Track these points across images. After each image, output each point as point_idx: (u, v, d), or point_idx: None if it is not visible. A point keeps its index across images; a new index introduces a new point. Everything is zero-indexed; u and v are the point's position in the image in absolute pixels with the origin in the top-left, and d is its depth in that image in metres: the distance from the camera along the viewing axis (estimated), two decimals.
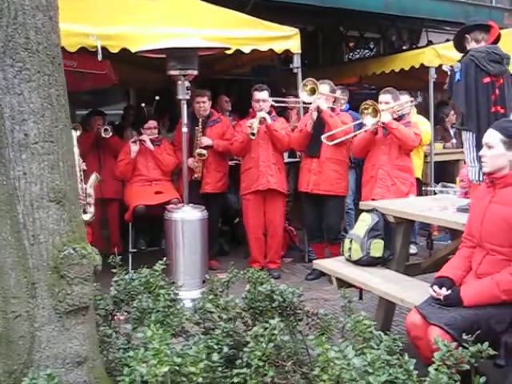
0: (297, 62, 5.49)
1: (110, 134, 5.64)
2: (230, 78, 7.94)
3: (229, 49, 4.82)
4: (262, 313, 3.06)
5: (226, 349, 2.72)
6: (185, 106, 4.70)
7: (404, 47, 8.98)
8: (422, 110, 6.95)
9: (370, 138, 4.81)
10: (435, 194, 5.22)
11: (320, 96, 4.98)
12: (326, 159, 5.12)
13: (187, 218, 4.75)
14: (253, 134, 5.07)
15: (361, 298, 4.01)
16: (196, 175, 5.45)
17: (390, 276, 3.53)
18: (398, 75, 6.93)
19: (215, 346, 2.74)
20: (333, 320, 2.88)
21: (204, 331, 3.09)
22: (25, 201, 2.28)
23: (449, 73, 3.59)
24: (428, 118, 6.34)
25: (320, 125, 5.04)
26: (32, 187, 2.29)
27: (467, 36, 3.69)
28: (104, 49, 4.65)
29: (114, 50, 4.69)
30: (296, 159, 6.00)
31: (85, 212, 4.56)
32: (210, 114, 5.60)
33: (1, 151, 2.22)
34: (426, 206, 3.74)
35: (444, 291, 2.74)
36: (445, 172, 6.52)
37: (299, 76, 5.51)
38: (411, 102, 5.25)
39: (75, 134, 4.74)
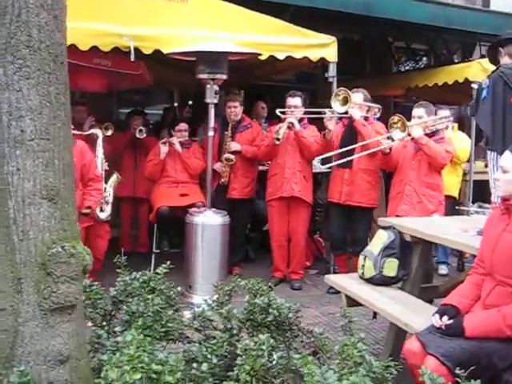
0: (332, 70, 5.38)
1: (144, 134, 5.70)
2: (272, 84, 7.86)
3: (260, 54, 4.78)
4: (261, 325, 2.99)
5: (215, 359, 2.68)
6: (212, 110, 4.70)
7: (456, 60, 8.68)
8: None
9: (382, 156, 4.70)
10: (470, 214, 5.00)
11: (353, 105, 4.87)
12: (358, 170, 5.01)
13: (208, 223, 4.74)
14: (277, 139, 5.03)
15: (374, 317, 3.89)
16: (223, 180, 5.45)
17: (400, 297, 3.38)
18: (444, 88, 6.71)
19: (209, 356, 2.71)
20: (328, 339, 2.78)
21: (205, 338, 3.06)
22: (17, 196, 2.28)
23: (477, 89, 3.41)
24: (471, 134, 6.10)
25: (352, 134, 4.94)
26: (25, 183, 2.29)
27: (501, 49, 3.50)
28: (138, 50, 4.69)
29: (147, 51, 4.72)
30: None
31: (101, 210, 4.62)
32: (241, 120, 5.58)
33: None
34: (447, 227, 3.57)
35: (446, 320, 2.59)
36: (485, 191, 6.22)
37: (334, 85, 5.41)
38: (447, 117, 5.04)
39: (101, 133, 4.84)
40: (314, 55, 5.25)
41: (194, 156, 5.53)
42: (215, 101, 4.65)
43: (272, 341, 2.64)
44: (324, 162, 5.75)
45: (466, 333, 2.49)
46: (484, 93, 3.29)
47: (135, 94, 8.94)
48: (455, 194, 5.79)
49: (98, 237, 4.68)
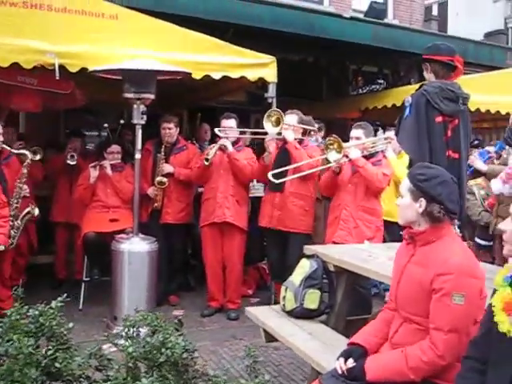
0: (272, 91, 5.18)
1: (75, 162, 5.46)
2: (224, 106, 7.67)
3: (190, 74, 4.57)
4: (161, 365, 2.72)
5: None
6: (139, 131, 4.46)
7: (413, 82, 8.61)
8: None
9: (332, 176, 4.47)
10: None
11: (287, 127, 4.69)
12: (289, 194, 4.81)
13: (134, 250, 4.48)
14: (207, 160, 4.85)
15: None
16: (156, 204, 5.20)
17: (319, 333, 3.14)
18: (398, 110, 6.58)
19: None
20: (225, 382, 2.52)
21: (105, 379, 2.79)
22: None
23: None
24: None
25: (285, 157, 4.74)
26: None
27: (427, 65, 3.31)
28: (64, 68, 4.44)
29: (73, 69, 4.47)
30: None
31: None
32: (177, 141, 5.37)
33: None
34: (374, 256, 3.36)
35: (351, 363, 2.35)
36: None
37: (274, 106, 5.21)
38: (386, 139, 4.86)
39: (30, 155, 4.69)
40: (252, 75, 5.04)
41: (125, 180, 5.26)
42: (142, 121, 4.41)
43: None
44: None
45: (367, 377, 2.25)
46: (406, 111, 3.09)
47: (88, 114, 8.70)
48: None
49: None
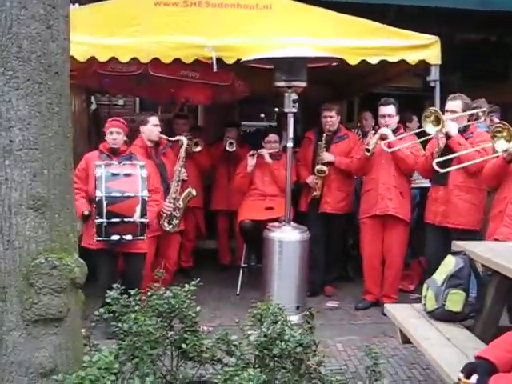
0: (435, 74, 4.79)
1: (234, 148, 5.64)
2: (394, 93, 7.30)
3: (341, 59, 4.41)
4: (281, 356, 2.70)
5: None
6: (291, 120, 4.45)
7: None
8: None
9: (502, 165, 3.96)
10: None
11: (450, 115, 4.30)
12: (454, 187, 4.38)
13: (285, 239, 4.50)
14: (367, 150, 4.68)
15: None
16: (315, 193, 5.16)
17: (460, 339, 2.82)
18: None
19: None
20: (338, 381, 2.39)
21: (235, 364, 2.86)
22: (3, 206, 2.31)
23: None
24: None
25: (448, 149, 4.34)
26: (12, 193, 2.31)
27: None
28: (220, 60, 4.62)
29: (229, 61, 4.62)
30: None
31: (169, 223, 4.62)
32: (338, 130, 5.25)
33: None
34: None
35: (474, 378, 2.07)
36: None
37: (437, 90, 4.85)
38: None
39: (185, 140, 4.92)
40: (412, 58, 4.69)
41: (283, 168, 5.29)
42: (294, 110, 4.40)
43: (263, 377, 2.38)
44: None
45: None
46: None
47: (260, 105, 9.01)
48: None
49: (167, 247, 4.70)
